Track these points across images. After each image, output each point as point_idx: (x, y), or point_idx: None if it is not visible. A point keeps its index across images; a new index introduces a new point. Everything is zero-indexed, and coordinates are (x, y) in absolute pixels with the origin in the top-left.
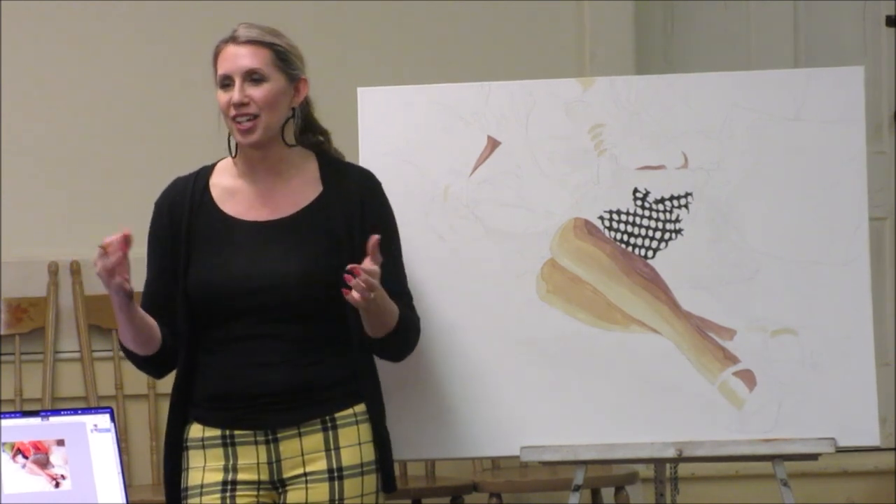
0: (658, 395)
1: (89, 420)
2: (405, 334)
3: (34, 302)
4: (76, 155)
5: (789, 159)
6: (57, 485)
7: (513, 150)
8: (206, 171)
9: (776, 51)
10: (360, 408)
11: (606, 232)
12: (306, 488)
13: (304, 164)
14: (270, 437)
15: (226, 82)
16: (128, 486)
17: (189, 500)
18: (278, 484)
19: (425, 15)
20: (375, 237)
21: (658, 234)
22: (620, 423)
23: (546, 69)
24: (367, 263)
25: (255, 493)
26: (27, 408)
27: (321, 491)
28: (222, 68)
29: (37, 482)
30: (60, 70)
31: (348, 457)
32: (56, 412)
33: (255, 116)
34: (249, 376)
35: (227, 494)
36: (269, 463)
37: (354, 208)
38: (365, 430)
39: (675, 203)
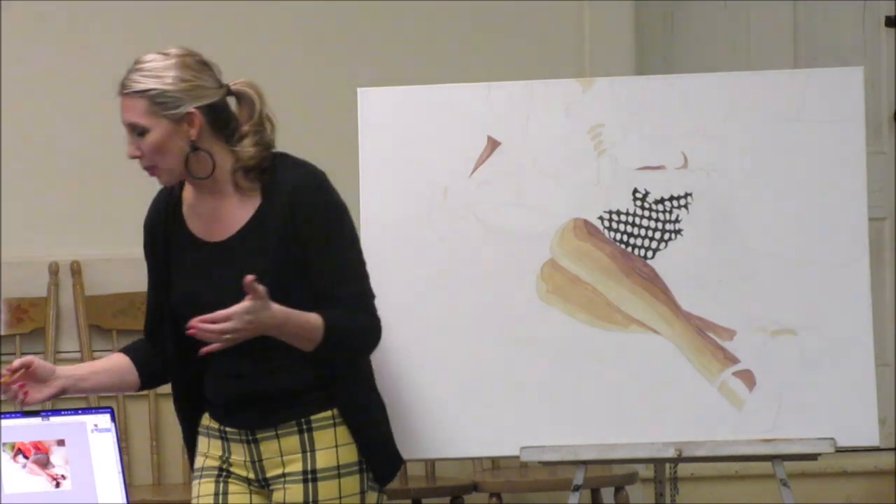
0: (658, 395)
1: (89, 420)
2: (338, 342)
3: (34, 302)
4: (76, 155)
5: (789, 159)
6: (57, 485)
7: (513, 150)
8: (179, 189)
9: (776, 51)
10: (336, 411)
11: (606, 232)
12: (284, 489)
13: (250, 179)
14: (251, 437)
15: (128, 131)
16: (128, 486)
17: (194, 483)
18: (263, 483)
19: (425, 15)
20: (248, 278)
21: (658, 235)
22: (620, 423)
23: (546, 69)
24: (217, 314)
25: (248, 491)
26: (27, 408)
27: (296, 492)
28: (122, 120)
29: (37, 482)
30: (60, 70)
31: (324, 459)
32: (56, 412)
33: (155, 165)
34: (225, 386)
35: (221, 480)
36: (253, 462)
37: (285, 221)
38: (343, 432)
39: (675, 203)
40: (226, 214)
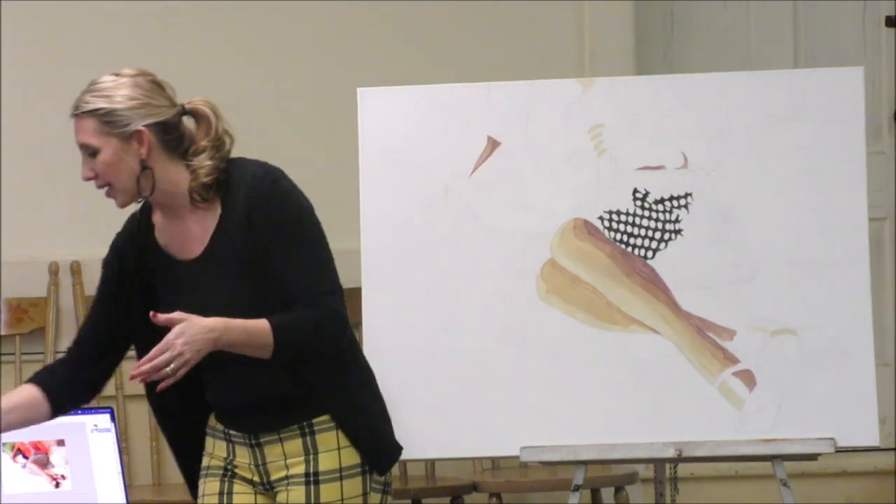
0: (658, 395)
1: (89, 420)
2: (291, 342)
3: (34, 302)
4: (76, 155)
5: (789, 159)
6: (57, 485)
7: (513, 150)
8: (148, 208)
9: (776, 51)
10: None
11: (606, 232)
12: (287, 490)
13: (209, 194)
14: (254, 441)
15: (82, 152)
16: (128, 486)
17: (200, 481)
18: (268, 486)
19: (425, 15)
20: (153, 315)
21: (658, 235)
22: (620, 423)
23: (546, 69)
24: (154, 351)
25: (253, 493)
26: None
27: (298, 494)
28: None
29: (37, 482)
30: (60, 70)
31: (326, 462)
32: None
33: (109, 185)
34: (223, 395)
35: (227, 479)
36: (257, 465)
37: (243, 226)
38: (338, 434)
39: (675, 203)
40: (192, 232)
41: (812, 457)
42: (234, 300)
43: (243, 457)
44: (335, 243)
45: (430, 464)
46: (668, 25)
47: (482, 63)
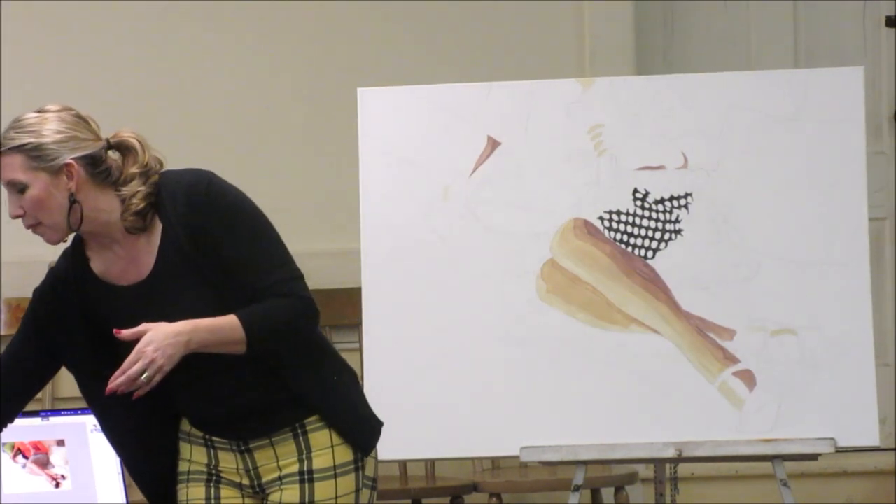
0: (658, 395)
1: (89, 420)
2: (263, 332)
3: None
4: None
5: (789, 159)
6: (57, 485)
7: (513, 150)
8: (80, 243)
9: (776, 51)
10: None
11: (606, 232)
12: (280, 490)
13: (144, 218)
14: (244, 447)
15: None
16: (128, 486)
17: (179, 485)
18: (259, 489)
19: (425, 15)
20: (117, 332)
21: (658, 235)
22: (620, 423)
23: (546, 69)
24: (126, 363)
25: (240, 496)
26: (27, 408)
27: (293, 492)
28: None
29: (37, 482)
30: (61, 70)
31: (320, 461)
32: (56, 412)
33: (39, 222)
34: (207, 409)
35: (212, 484)
36: (247, 470)
37: (193, 227)
38: (331, 433)
39: (675, 203)
40: (132, 257)
41: (812, 457)
42: (197, 309)
43: (229, 462)
44: (335, 244)
45: (430, 464)
46: (668, 25)
47: (482, 63)
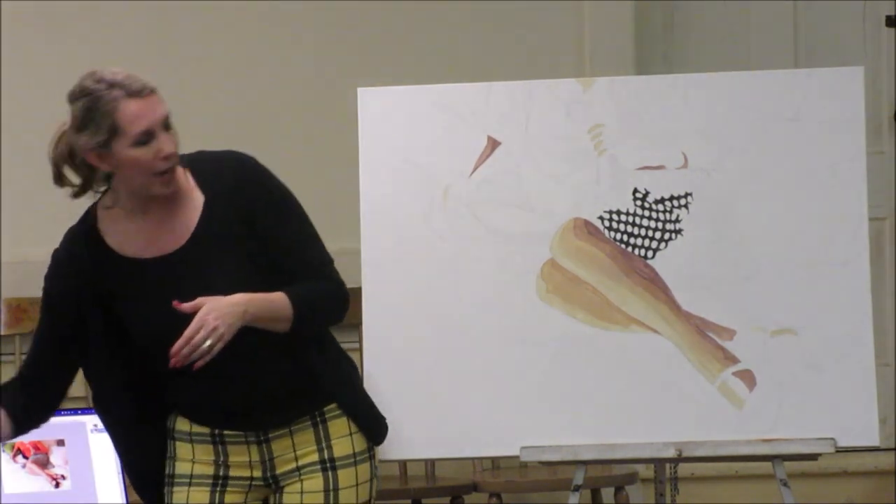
0: (658, 395)
1: (89, 420)
2: (308, 312)
3: (34, 302)
4: None
5: (789, 159)
6: (57, 485)
7: (513, 150)
8: (91, 221)
9: (776, 51)
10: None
11: (606, 232)
12: (300, 480)
13: (185, 179)
14: (262, 437)
15: (144, 139)
16: (127, 487)
17: (175, 488)
18: (271, 480)
19: (425, 15)
20: (176, 304)
21: (658, 235)
22: (620, 423)
23: (546, 69)
24: (181, 338)
25: (246, 490)
26: None
27: (315, 482)
28: (141, 125)
29: (37, 482)
30: (61, 70)
31: (340, 448)
32: (56, 412)
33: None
34: (226, 396)
35: (218, 489)
36: (262, 461)
37: (241, 202)
38: (348, 421)
39: (675, 203)
40: (175, 220)
41: (812, 457)
42: (235, 280)
43: (240, 455)
44: (335, 243)
45: (430, 464)
46: (668, 25)
47: (482, 63)
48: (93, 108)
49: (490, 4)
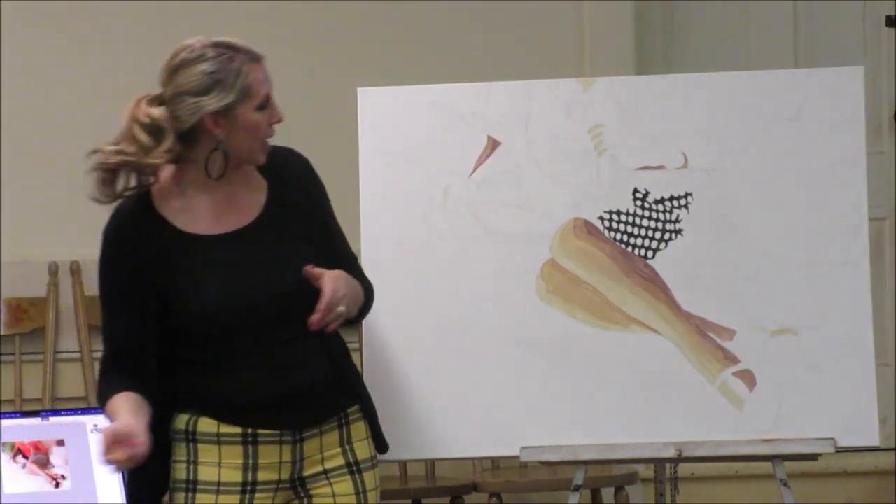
0: (658, 395)
1: (89, 420)
2: (367, 300)
3: (34, 302)
4: (76, 155)
5: (789, 159)
6: (57, 485)
7: (513, 150)
8: (146, 197)
9: (776, 51)
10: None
11: (606, 232)
12: (330, 484)
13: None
14: (297, 436)
15: (264, 103)
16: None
17: (200, 495)
18: (297, 483)
19: (425, 15)
20: (309, 269)
21: (658, 235)
22: (620, 423)
23: (546, 69)
24: (322, 301)
25: (273, 493)
26: (27, 408)
27: (346, 485)
28: (265, 89)
29: (37, 482)
30: (61, 70)
31: (361, 451)
32: (56, 412)
33: None
34: (269, 385)
35: (247, 496)
36: (293, 462)
37: (302, 192)
38: (366, 424)
39: (675, 203)
40: (240, 198)
41: (812, 457)
42: (297, 259)
43: (271, 456)
44: None
45: (430, 464)
46: (668, 25)
47: (482, 63)
48: (221, 70)
49: (490, 4)
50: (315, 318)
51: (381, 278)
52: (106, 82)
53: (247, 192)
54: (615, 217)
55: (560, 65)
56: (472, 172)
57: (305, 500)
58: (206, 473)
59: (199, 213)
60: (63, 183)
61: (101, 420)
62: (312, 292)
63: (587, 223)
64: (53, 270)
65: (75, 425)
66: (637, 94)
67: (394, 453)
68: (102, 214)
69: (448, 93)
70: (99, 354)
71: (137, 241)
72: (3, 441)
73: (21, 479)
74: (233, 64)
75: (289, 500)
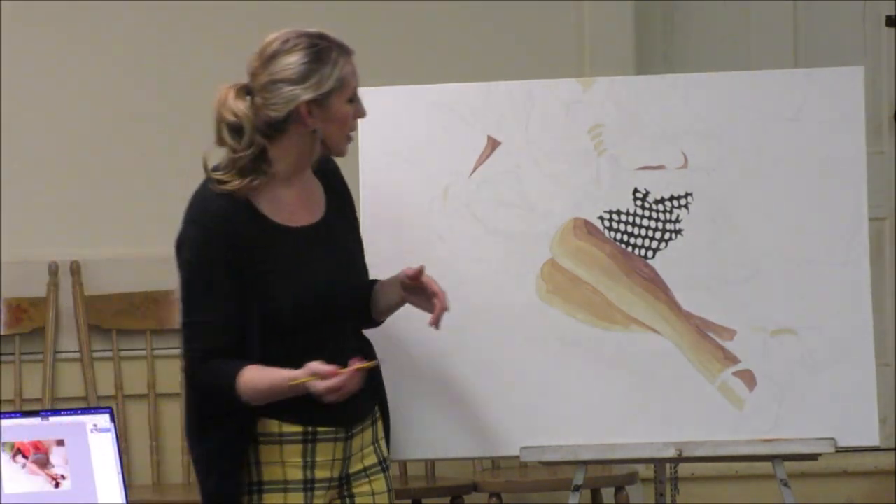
0: (658, 395)
1: (89, 420)
2: None
3: (34, 302)
4: (76, 155)
5: (789, 159)
6: (57, 485)
7: (513, 150)
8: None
9: (776, 51)
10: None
11: (606, 232)
12: (370, 482)
13: None
14: (349, 433)
15: (354, 97)
16: (127, 486)
17: (266, 495)
18: (344, 480)
19: (425, 15)
20: (410, 270)
21: (658, 234)
22: (620, 423)
23: (546, 69)
24: (441, 300)
25: (325, 491)
26: (27, 408)
27: (381, 483)
28: (355, 81)
29: (37, 482)
30: (61, 70)
31: (384, 449)
32: (56, 412)
33: None
34: None
35: (309, 493)
36: (343, 459)
37: (346, 195)
38: (382, 423)
39: (675, 203)
40: (310, 196)
41: (812, 457)
42: (353, 255)
43: (326, 454)
44: None
45: (430, 464)
46: (668, 25)
47: (482, 63)
48: (319, 60)
49: (490, 4)
50: (435, 316)
51: (381, 278)
52: (106, 82)
53: (314, 189)
54: (615, 217)
55: (560, 65)
56: (472, 172)
57: (348, 500)
58: (271, 473)
59: (282, 205)
60: (63, 183)
61: (100, 420)
62: (363, 290)
63: (587, 223)
64: (53, 270)
65: (75, 425)
66: (637, 94)
67: (394, 453)
68: (102, 215)
69: (448, 93)
70: (99, 355)
71: (235, 228)
72: (2, 441)
73: (21, 479)
74: (329, 55)
75: (332, 500)
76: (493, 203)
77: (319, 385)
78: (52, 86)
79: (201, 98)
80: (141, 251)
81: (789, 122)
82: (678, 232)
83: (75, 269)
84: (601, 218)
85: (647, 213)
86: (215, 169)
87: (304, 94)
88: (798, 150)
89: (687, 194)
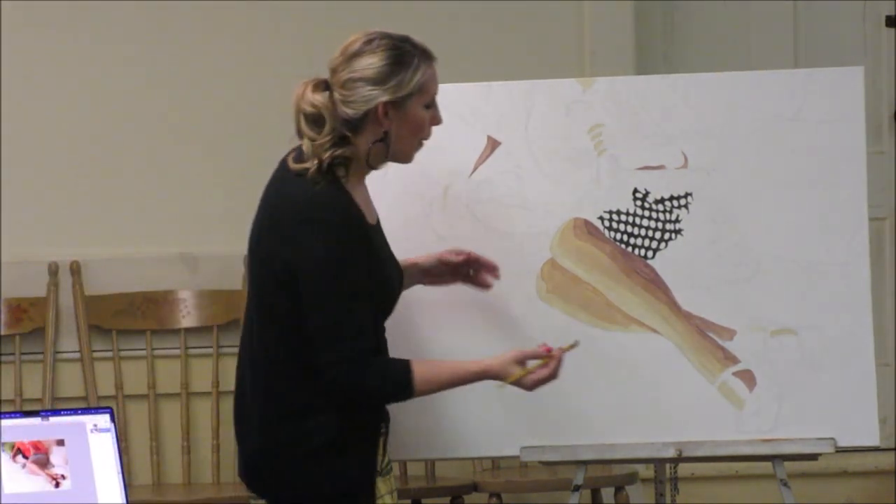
0: (658, 395)
1: (89, 420)
2: None
3: (34, 302)
4: (76, 155)
5: (789, 159)
6: (57, 485)
7: (513, 150)
8: (340, 185)
9: (776, 51)
10: None
11: (606, 232)
12: (391, 478)
13: None
14: (387, 427)
15: (431, 103)
16: (127, 486)
17: (379, 479)
18: (378, 473)
19: (425, 15)
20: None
21: (658, 235)
22: (620, 423)
23: (546, 69)
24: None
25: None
26: (27, 408)
27: (391, 481)
28: (435, 89)
29: (37, 482)
30: (61, 70)
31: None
32: (56, 412)
33: None
34: None
35: (387, 479)
36: (384, 452)
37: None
38: None
39: (675, 203)
40: (370, 198)
41: (812, 457)
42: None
43: (381, 447)
44: None
45: (430, 464)
46: (668, 25)
47: (482, 63)
48: (401, 63)
49: (490, 4)
50: (491, 275)
51: None
52: (106, 83)
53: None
54: (615, 217)
55: (560, 65)
56: (472, 172)
57: (370, 498)
58: (380, 458)
59: (359, 202)
60: (63, 183)
61: (100, 420)
62: None
63: (587, 223)
64: (53, 270)
65: (75, 425)
66: (637, 94)
67: (394, 453)
68: (102, 215)
69: (448, 93)
70: (99, 355)
71: (359, 223)
72: (3, 441)
73: (21, 478)
74: (411, 58)
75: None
76: (493, 203)
77: (544, 371)
78: (52, 86)
79: (199, 98)
80: (141, 251)
81: (789, 122)
82: (678, 232)
83: (75, 269)
84: (601, 218)
85: (646, 213)
86: (296, 161)
87: (383, 95)
88: (798, 150)
89: (687, 194)
